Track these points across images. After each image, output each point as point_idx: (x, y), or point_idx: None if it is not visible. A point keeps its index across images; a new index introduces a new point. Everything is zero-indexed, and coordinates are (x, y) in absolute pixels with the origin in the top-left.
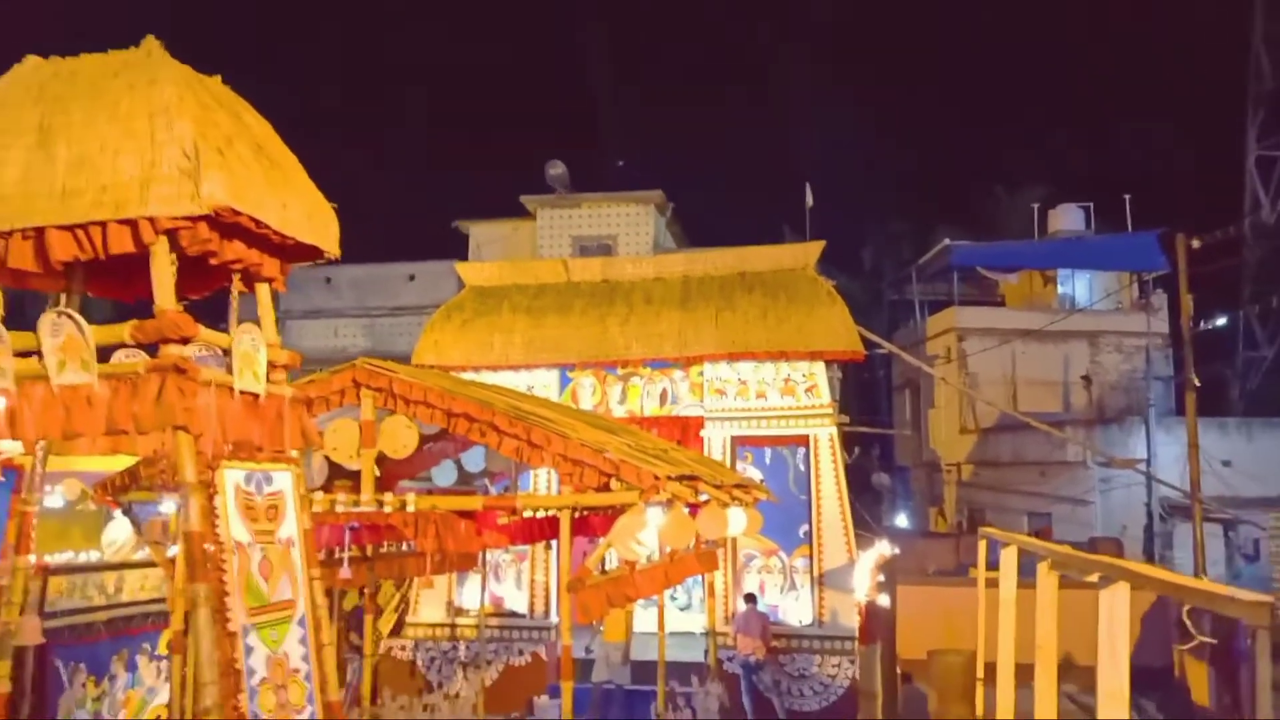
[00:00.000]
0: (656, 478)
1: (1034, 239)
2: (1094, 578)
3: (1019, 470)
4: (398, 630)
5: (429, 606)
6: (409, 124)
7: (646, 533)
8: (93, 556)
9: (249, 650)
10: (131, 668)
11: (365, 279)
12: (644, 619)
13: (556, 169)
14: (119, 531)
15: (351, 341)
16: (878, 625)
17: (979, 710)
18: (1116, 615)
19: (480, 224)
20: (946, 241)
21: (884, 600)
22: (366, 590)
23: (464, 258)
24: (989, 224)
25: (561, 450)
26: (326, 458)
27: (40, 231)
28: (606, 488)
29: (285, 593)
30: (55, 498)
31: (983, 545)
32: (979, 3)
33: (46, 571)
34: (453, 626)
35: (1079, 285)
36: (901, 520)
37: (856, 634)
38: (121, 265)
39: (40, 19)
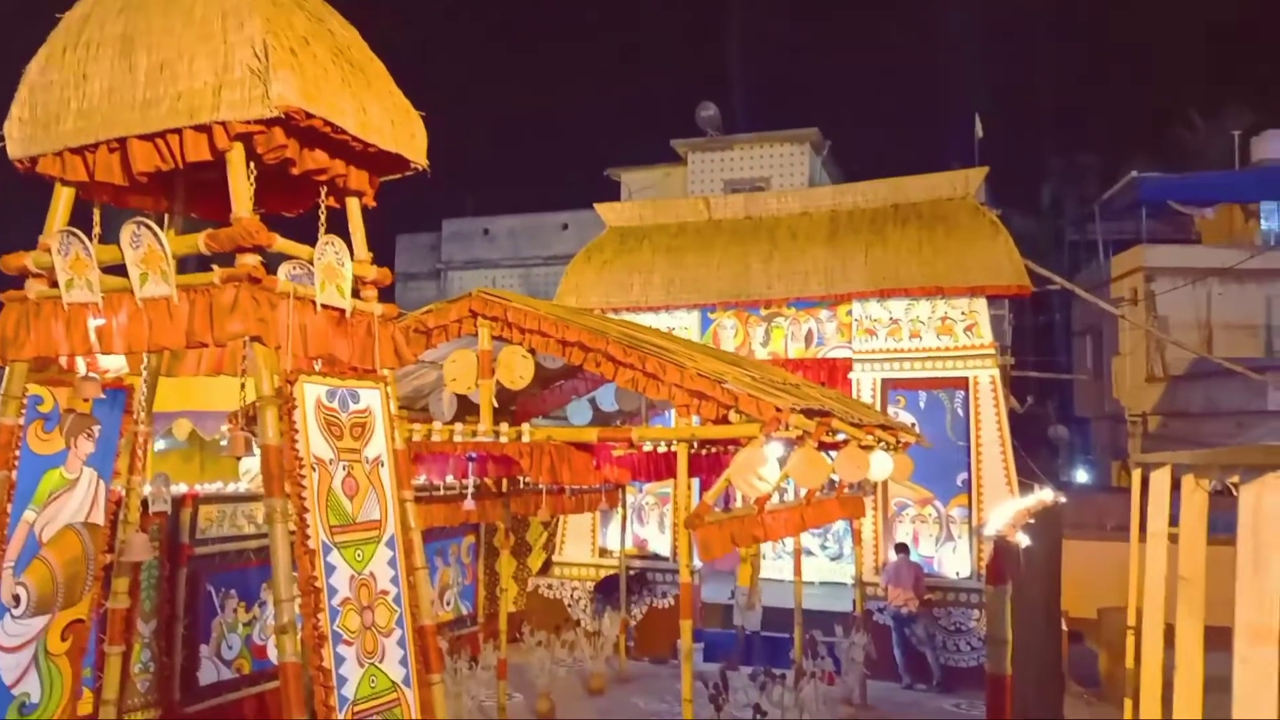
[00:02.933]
0: (779, 410)
1: (1234, 169)
2: (1237, 479)
3: (1213, 421)
4: (546, 568)
5: (574, 546)
6: (561, 72)
7: (768, 469)
8: (241, 488)
9: (330, 569)
10: None
11: (520, 229)
12: (789, 565)
13: (707, 110)
14: (254, 461)
15: (509, 289)
16: (1008, 564)
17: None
18: (1263, 517)
19: (632, 171)
20: (1134, 174)
21: (1023, 539)
22: (502, 525)
23: None
24: (1183, 155)
25: (678, 380)
26: (455, 392)
27: (124, 143)
28: (726, 420)
29: (372, 513)
30: (172, 438)
31: (1136, 476)
32: None
33: (197, 500)
34: (596, 567)
35: None
36: (1081, 475)
37: (983, 574)
38: (223, 183)
39: None
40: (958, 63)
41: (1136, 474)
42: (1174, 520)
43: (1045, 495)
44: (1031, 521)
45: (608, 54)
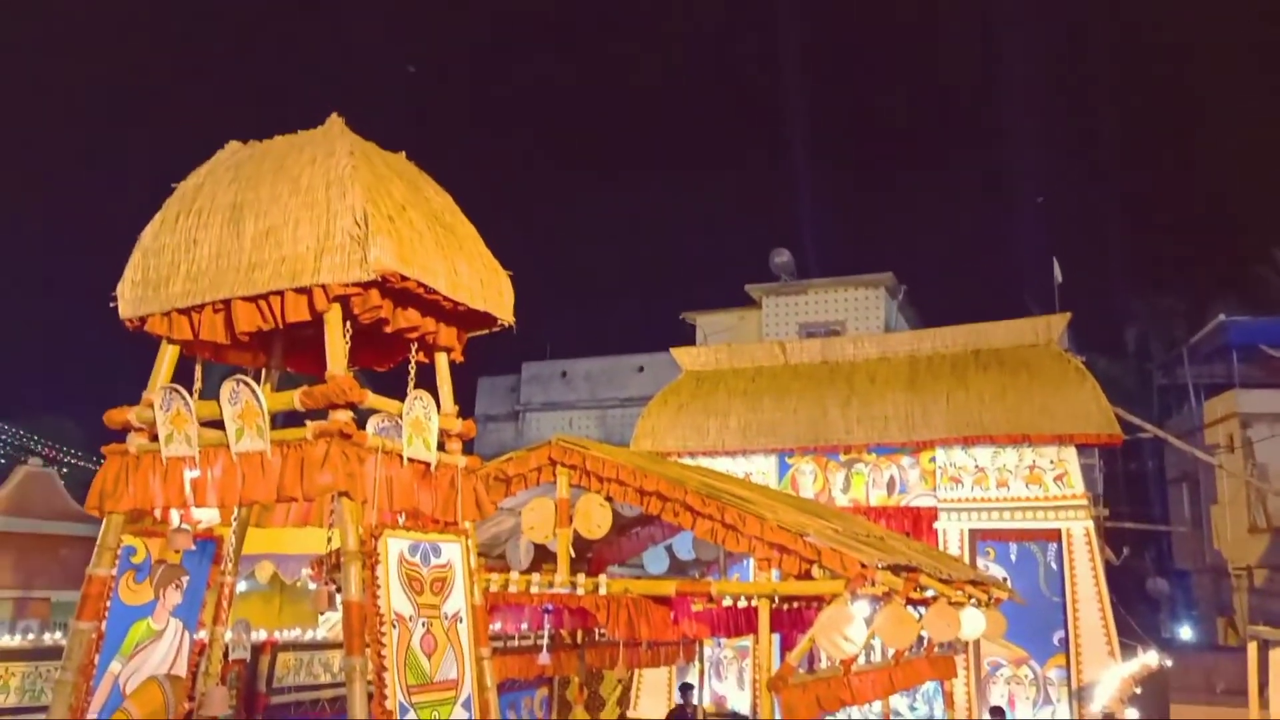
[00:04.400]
0: (864, 565)
1: None
2: None
3: None
4: None
5: (650, 701)
6: (638, 218)
7: (854, 628)
8: (320, 634)
9: None
10: None
11: (597, 372)
12: None
13: (781, 257)
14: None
15: (585, 432)
16: None
17: None
18: None
19: (707, 315)
20: (1222, 317)
21: (1131, 714)
22: (576, 679)
23: None
24: (1268, 297)
25: (758, 532)
26: (533, 540)
27: (228, 303)
28: (809, 575)
29: (450, 672)
30: (254, 579)
31: (1252, 649)
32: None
33: (275, 648)
34: None
35: None
36: (1185, 632)
37: None
38: (318, 339)
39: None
40: (1033, 205)
41: (1253, 646)
42: None
43: (1149, 659)
44: (1137, 691)
45: (683, 201)
